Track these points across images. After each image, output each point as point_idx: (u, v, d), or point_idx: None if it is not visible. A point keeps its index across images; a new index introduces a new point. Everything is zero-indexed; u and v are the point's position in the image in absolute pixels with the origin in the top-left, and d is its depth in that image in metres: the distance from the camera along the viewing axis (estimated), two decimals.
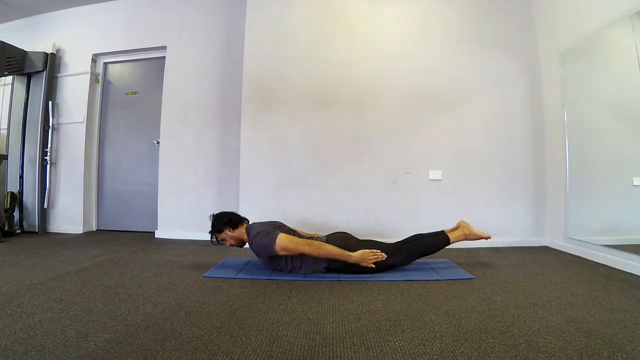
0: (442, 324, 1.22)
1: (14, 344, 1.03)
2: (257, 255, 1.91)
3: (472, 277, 1.82)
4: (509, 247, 2.66)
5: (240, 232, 1.96)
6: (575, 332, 1.14)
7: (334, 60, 2.84)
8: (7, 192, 3.30)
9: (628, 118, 2.16)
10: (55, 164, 3.42)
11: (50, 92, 3.40)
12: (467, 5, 2.88)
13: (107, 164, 3.51)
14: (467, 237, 2.00)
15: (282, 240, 1.76)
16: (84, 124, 3.39)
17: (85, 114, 3.39)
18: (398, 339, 1.10)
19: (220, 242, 2.00)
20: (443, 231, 2.03)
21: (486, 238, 2.03)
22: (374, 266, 1.79)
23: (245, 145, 2.84)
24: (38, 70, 3.35)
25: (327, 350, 1.03)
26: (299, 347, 1.05)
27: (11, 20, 3.71)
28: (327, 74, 2.84)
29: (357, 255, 1.78)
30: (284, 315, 1.30)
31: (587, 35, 2.31)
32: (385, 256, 1.81)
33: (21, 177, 3.37)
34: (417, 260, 2.01)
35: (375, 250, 1.81)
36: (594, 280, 1.77)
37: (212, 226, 1.98)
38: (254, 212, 2.60)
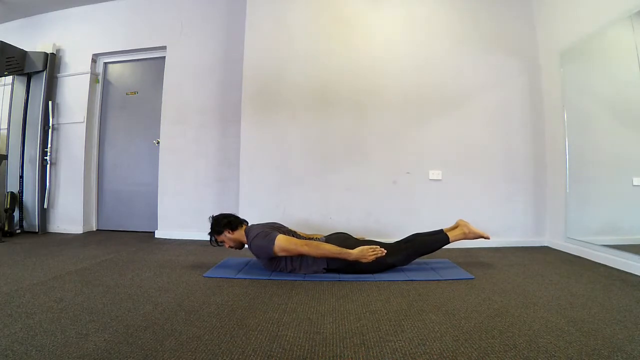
0: (442, 324, 1.22)
1: (14, 344, 1.03)
2: (257, 256, 1.91)
3: (472, 277, 1.82)
4: (509, 247, 2.66)
5: (240, 234, 1.95)
6: (575, 332, 1.14)
7: (334, 59, 2.84)
8: (7, 192, 3.30)
9: (628, 118, 2.15)
10: (55, 164, 3.42)
11: (50, 92, 3.40)
12: (467, 5, 2.88)
13: (107, 164, 3.51)
14: (466, 236, 2.00)
15: (281, 241, 1.76)
16: (84, 124, 3.39)
17: (85, 114, 3.39)
18: (398, 339, 1.10)
19: (220, 243, 2.00)
20: (442, 230, 2.03)
21: (486, 238, 2.03)
22: (374, 259, 1.77)
23: (245, 145, 2.84)
24: (38, 70, 3.35)
25: (327, 350, 1.03)
26: (299, 346, 1.05)
27: (11, 20, 3.71)
28: (327, 73, 2.84)
29: (356, 252, 1.77)
30: (284, 315, 1.30)
31: (587, 35, 2.31)
32: (385, 251, 1.80)
33: (21, 177, 3.37)
34: (417, 260, 2.01)
35: (374, 247, 1.81)
36: (594, 280, 1.77)
37: (211, 228, 1.98)
38: (254, 213, 2.61)
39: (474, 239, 2.03)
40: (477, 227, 2.04)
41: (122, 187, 3.46)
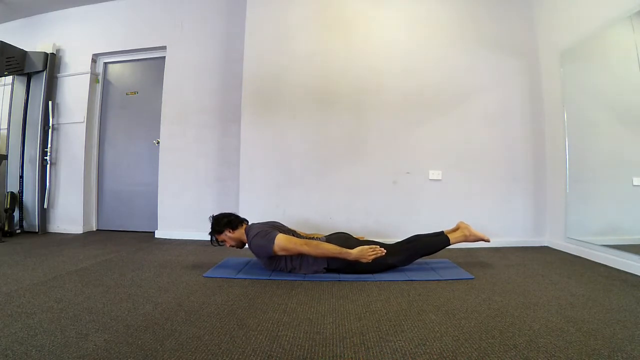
0: (442, 324, 1.22)
1: (14, 344, 1.03)
2: (257, 255, 1.91)
3: (472, 277, 1.82)
4: (509, 247, 2.66)
5: (240, 233, 1.96)
6: (575, 332, 1.14)
7: (334, 60, 2.84)
8: (7, 192, 3.30)
9: (628, 118, 2.15)
10: (55, 164, 3.42)
11: (50, 92, 3.40)
12: (467, 5, 2.88)
13: (107, 164, 3.51)
14: (467, 239, 2.00)
15: (281, 241, 1.76)
16: (84, 124, 3.39)
17: (85, 114, 3.39)
18: (398, 339, 1.10)
19: (220, 243, 2.00)
20: (443, 232, 2.03)
21: (486, 240, 2.03)
22: (373, 258, 1.76)
23: (245, 145, 2.84)
24: (38, 70, 3.35)
25: (327, 350, 1.03)
26: (299, 347, 1.05)
27: (11, 20, 3.71)
28: (327, 73, 2.84)
29: (356, 251, 1.77)
30: (284, 315, 1.30)
31: (587, 35, 2.31)
32: (385, 251, 1.80)
33: (21, 177, 3.37)
34: (417, 260, 2.01)
35: (374, 246, 1.80)
36: (594, 280, 1.77)
37: (211, 227, 1.98)
38: (254, 212, 2.60)
39: (474, 241, 2.03)
40: (477, 227, 2.05)
41: (122, 187, 3.46)
